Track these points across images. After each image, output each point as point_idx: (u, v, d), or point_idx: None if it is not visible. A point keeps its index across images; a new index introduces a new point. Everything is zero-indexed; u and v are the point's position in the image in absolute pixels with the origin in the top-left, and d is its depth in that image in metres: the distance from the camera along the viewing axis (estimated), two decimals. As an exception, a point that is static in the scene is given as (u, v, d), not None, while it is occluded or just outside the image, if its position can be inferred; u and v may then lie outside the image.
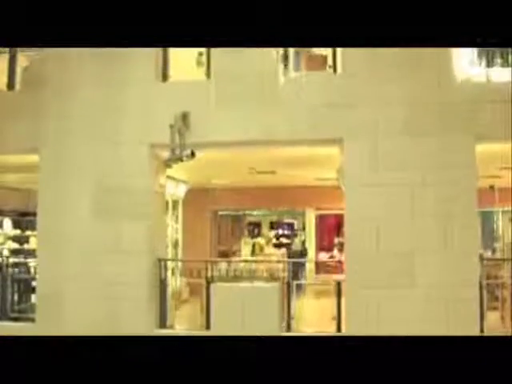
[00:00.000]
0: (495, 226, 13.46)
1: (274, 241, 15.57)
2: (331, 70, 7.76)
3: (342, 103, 7.38)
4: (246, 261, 8.16)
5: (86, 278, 7.69)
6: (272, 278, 8.02)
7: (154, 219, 7.91)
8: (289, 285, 7.65)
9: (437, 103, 7.23)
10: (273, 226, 15.57)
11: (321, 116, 7.38)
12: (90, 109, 7.99)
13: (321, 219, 13.87)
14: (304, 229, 14.46)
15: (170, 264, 8.51)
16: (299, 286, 8.30)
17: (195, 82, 8.06)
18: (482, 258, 7.28)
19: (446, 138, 7.17)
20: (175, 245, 10.24)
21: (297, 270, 13.04)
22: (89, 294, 7.69)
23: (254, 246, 11.55)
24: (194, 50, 8.97)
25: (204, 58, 8.69)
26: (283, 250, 12.93)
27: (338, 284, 7.56)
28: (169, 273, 8.02)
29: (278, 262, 8.58)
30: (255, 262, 8.13)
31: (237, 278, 8.01)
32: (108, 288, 7.59)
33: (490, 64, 7.58)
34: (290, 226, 15.72)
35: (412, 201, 7.14)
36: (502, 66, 7.57)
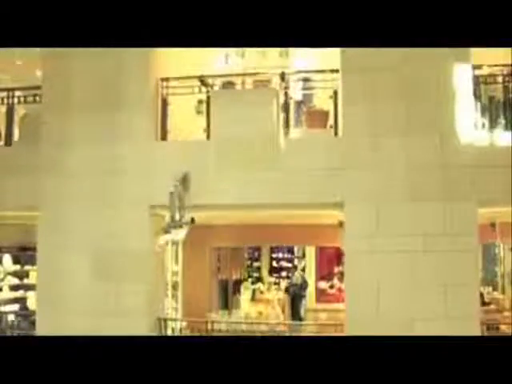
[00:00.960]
0: (494, 253, 13.41)
1: (274, 264, 15.62)
2: (332, 131, 7.68)
3: (343, 167, 7.31)
4: (246, 322, 8.13)
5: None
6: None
7: (154, 280, 7.89)
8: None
9: (439, 168, 7.17)
10: (273, 249, 15.56)
11: (321, 180, 7.31)
12: (88, 166, 7.93)
13: (321, 247, 13.83)
14: (304, 256, 14.45)
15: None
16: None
17: (195, 143, 7.99)
18: (483, 323, 7.24)
19: (447, 204, 7.11)
20: (175, 286, 10.23)
21: (297, 304, 13.16)
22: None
23: (254, 291, 11.57)
24: (194, 99, 8.88)
25: (203, 107, 8.64)
26: (283, 291, 12.93)
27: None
28: (169, 331, 8.00)
29: (278, 323, 8.53)
30: (256, 323, 8.06)
31: (237, 333, 7.98)
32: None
33: (492, 125, 7.50)
34: (290, 250, 15.73)
35: (413, 267, 7.10)
36: (505, 127, 7.47)
